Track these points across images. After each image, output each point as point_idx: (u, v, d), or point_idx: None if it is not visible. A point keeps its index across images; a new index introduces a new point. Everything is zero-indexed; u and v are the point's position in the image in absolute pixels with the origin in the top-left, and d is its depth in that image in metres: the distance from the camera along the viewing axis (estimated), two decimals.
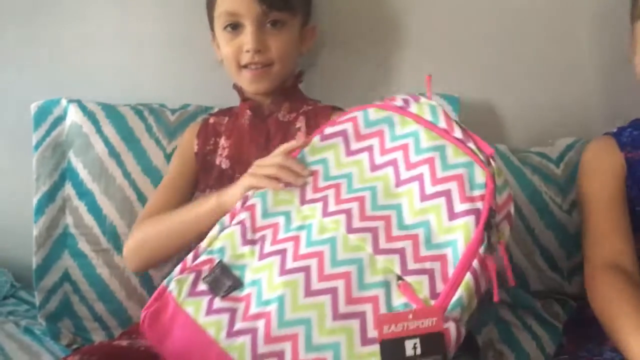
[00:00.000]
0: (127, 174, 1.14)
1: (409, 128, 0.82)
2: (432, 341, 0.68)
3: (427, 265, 0.72)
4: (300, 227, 0.79)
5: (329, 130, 0.86)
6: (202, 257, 0.81)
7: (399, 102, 0.86)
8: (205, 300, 0.77)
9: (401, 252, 0.74)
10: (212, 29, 1.09)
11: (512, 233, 1.11)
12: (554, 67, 1.22)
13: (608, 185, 0.95)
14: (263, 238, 0.80)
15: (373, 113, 0.85)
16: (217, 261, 0.79)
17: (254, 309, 0.74)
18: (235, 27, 1.03)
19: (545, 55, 1.21)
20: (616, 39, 1.06)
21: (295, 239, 0.78)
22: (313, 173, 0.83)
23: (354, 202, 0.79)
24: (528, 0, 1.21)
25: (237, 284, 0.77)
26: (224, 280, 0.78)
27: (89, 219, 1.13)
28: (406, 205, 0.77)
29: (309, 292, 0.73)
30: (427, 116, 0.82)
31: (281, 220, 0.81)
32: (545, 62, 1.21)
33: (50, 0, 1.25)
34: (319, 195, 0.81)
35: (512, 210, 0.78)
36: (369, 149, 0.83)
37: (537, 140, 1.21)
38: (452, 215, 0.74)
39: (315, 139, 0.86)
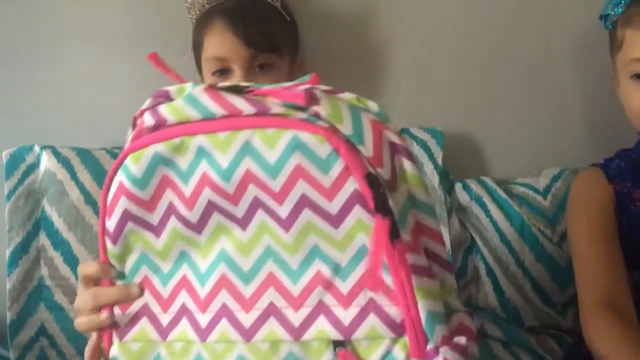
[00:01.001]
0: None
1: (189, 150, 0.55)
2: None
3: (361, 299, 0.52)
4: None
5: (109, 223, 0.60)
6: None
7: (149, 121, 0.58)
8: None
9: (321, 307, 0.54)
10: (200, 72, 1.08)
11: (501, 266, 1.10)
12: (537, 97, 1.21)
13: (598, 222, 0.94)
14: None
15: (133, 166, 0.57)
16: None
17: None
18: (223, 72, 1.02)
19: (528, 85, 1.21)
20: (598, 68, 1.06)
21: None
22: (142, 284, 0.62)
23: (219, 290, 0.57)
24: (509, 32, 1.21)
25: None
26: None
27: (65, 270, 1.08)
28: (276, 247, 0.55)
29: None
30: (193, 114, 0.56)
31: None
32: (527, 93, 1.21)
33: (23, 46, 1.22)
34: (173, 309, 0.60)
35: (393, 136, 0.54)
36: (171, 209, 0.58)
37: (522, 170, 1.20)
38: (333, 221, 0.52)
39: (108, 245, 0.62)
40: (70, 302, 1.08)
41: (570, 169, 1.14)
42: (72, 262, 1.09)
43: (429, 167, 1.13)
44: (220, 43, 1.02)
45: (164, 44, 1.16)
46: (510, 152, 1.22)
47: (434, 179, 1.12)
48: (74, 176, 1.11)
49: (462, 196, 1.15)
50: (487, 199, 1.13)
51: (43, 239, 1.09)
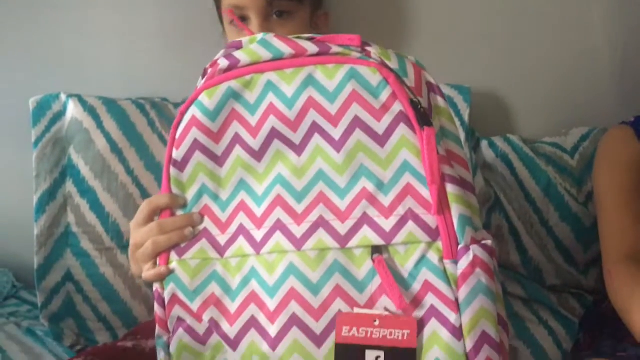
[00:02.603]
0: (130, 171, 1.11)
1: (258, 84, 0.64)
2: (400, 358, 0.57)
3: (400, 210, 0.59)
4: (245, 281, 0.64)
5: (177, 154, 0.67)
6: None
7: (222, 63, 0.66)
8: None
9: (364, 219, 0.61)
10: (221, 23, 1.07)
11: (525, 225, 1.10)
12: (567, 54, 1.19)
13: (626, 178, 0.93)
14: (214, 322, 0.65)
15: (207, 100, 0.65)
16: None
17: None
18: (241, 20, 1.00)
19: (558, 42, 1.18)
20: (632, 23, 1.03)
21: (253, 299, 0.63)
22: (202, 212, 0.67)
23: (274, 208, 0.64)
24: None
25: None
26: None
27: (91, 217, 1.10)
28: (327, 168, 0.62)
29: (319, 340, 0.60)
30: (265, 54, 0.64)
31: (216, 289, 0.66)
32: (557, 49, 1.18)
33: None
34: (231, 230, 0.66)
35: (430, 77, 0.64)
36: (236, 139, 0.66)
37: (550, 130, 1.18)
38: (380, 140, 0.61)
39: (173, 174, 0.68)
40: (96, 249, 1.10)
41: (599, 129, 1.13)
42: (98, 210, 1.10)
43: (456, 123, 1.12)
44: None
45: None
46: (539, 110, 1.20)
47: (460, 135, 1.11)
48: (100, 125, 1.11)
49: (488, 154, 1.14)
50: (513, 157, 1.12)
51: (70, 187, 1.11)
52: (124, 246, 1.10)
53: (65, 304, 1.10)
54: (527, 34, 1.19)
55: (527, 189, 1.10)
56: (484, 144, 1.15)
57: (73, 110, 1.12)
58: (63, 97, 1.14)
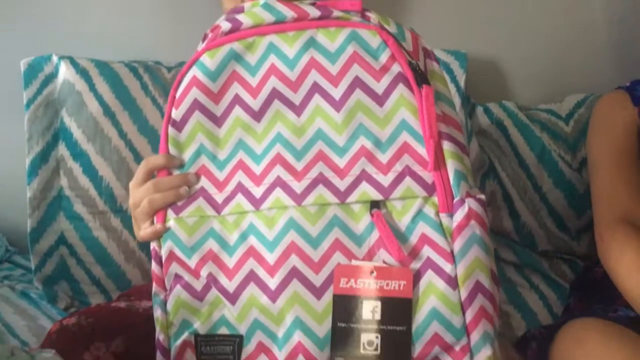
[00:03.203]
0: (123, 134, 1.10)
1: (259, 47, 0.65)
2: (397, 308, 0.59)
3: (398, 167, 0.62)
4: (243, 237, 0.65)
5: (176, 114, 0.67)
6: (175, 347, 0.66)
7: (225, 26, 0.67)
8: None
9: (363, 176, 0.62)
10: None
11: (519, 191, 1.10)
12: (564, 20, 1.19)
13: (620, 141, 0.93)
14: (212, 277, 0.66)
15: (208, 60, 0.66)
16: (194, 339, 0.66)
17: (279, 354, 0.63)
18: None
19: (555, 8, 1.19)
20: None
21: (251, 253, 0.64)
22: (199, 172, 0.68)
23: (273, 166, 0.65)
24: None
25: (238, 340, 0.64)
26: (223, 348, 0.65)
27: (84, 181, 1.10)
28: (326, 127, 0.64)
29: (319, 292, 0.62)
30: (268, 17, 0.66)
31: (213, 245, 0.66)
32: (555, 16, 1.19)
33: None
34: (229, 188, 0.67)
35: (425, 44, 0.67)
36: (236, 100, 0.66)
37: (546, 96, 1.19)
38: (380, 99, 0.63)
39: (172, 133, 0.68)
40: (90, 213, 1.10)
41: (595, 95, 1.13)
42: (91, 173, 1.10)
43: (451, 90, 1.11)
44: None
45: None
46: (535, 77, 1.21)
47: (455, 101, 1.11)
48: (92, 88, 1.10)
49: (483, 120, 1.14)
50: (508, 124, 1.12)
51: (62, 150, 1.10)
52: (117, 210, 1.10)
53: (58, 267, 1.10)
54: (524, 1, 1.18)
55: (522, 155, 1.11)
56: (480, 110, 1.15)
57: (65, 72, 1.11)
58: (55, 58, 1.12)
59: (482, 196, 0.61)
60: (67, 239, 1.10)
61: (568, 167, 1.09)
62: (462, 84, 1.12)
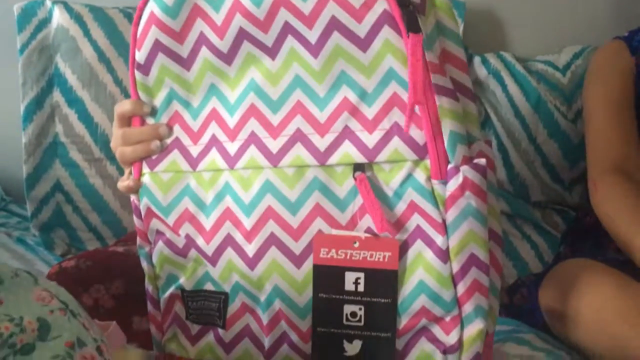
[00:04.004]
0: (118, 81, 1.10)
1: None
2: (381, 280, 0.55)
3: (385, 123, 0.54)
4: (219, 197, 0.60)
5: (140, 55, 0.62)
6: (163, 299, 0.66)
7: None
8: (211, 336, 0.64)
9: (346, 133, 0.55)
10: None
11: (514, 142, 1.10)
12: None
13: (616, 90, 0.93)
14: (191, 238, 0.63)
15: None
16: (181, 293, 0.65)
17: (263, 316, 0.61)
18: None
19: None
20: None
21: (228, 216, 0.60)
22: (170, 122, 0.63)
23: (248, 119, 0.58)
24: None
25: (223, 296, 0.62)
26: (209, 304, 0.63)
27: (79, 128, 1.10)
28: (305, 75, 0.56)
29: (299, 260, 0.57)
30: None
31: (189, 204, 0.62)
32: None
33: None
34: (203, 141, 0.61)
35: None
36: (202, 39, 0.59)
37: (544, 48, 1.17)
38: (362, 44, 0.53)
39: (138, 77, 0.63)
40: (85, 160, 1.10)
41: (592, 47, 1.12)
42: (87, 120, 1.10)
43: None
44: None
45: None
46: (533, 28, 1.19)
47: (459, 31, 1.10)
48: (87, 33, 1.09)
49: (480, 70, 1.13)
50: (505, 74, 1.12)
51: (57, 96, 1.10)
52: (113, 157, 1.10)
53: (55, 214, 1.11)
54: None
55: (517, 106, 1.10)
56: (477, 60, 1.14)
57: (59, 17, 1.10)
58: (48, 3, 1.11)
59: (482, 160, 0.53)
60: (63, 186, 1.11)
61: (563, 118, 1.09)
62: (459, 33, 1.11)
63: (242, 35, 0.57)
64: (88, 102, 1.09)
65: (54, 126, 1.10)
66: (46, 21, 1.10)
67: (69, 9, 1.10)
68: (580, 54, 1.12)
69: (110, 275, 0.81)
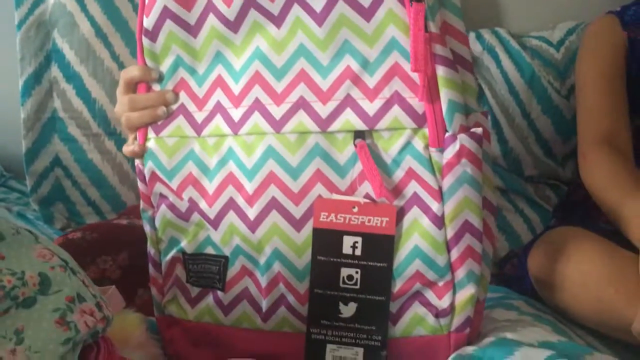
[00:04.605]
0: (115, 56, 1.11)
1: None
2: (378, 244, 0.57)
3: (386, 92, 0.56)
4: (222, 162, 0.62)
5: (148, 22, 0.63)
6: (165, 262, 0.68)
7: None
8: (210, 298, 0.66)
9: (348, 101, 0.57)
10: None
11: (507, 117, 1.12)
12: None
13: (608, 64, 0.94)
14: (193, 201, 0.64)
15: None
16: (182, 256, 0.67)
17: (261, 279, 0.62)
18: None
19: None
20: None
21: (230, 180, 0.62)
22: (176, 89, 0.64)
23: (252, 86, 0.60)
24: None
25: (223, 260, 0.64)
26: (209, 267, 0.65)
27: (77, 103, 1.11)
28: (309, 44, 0.58)
29: (299, 224, 0.59)
30: None
31: (193, 169, 0.64)
32: None
33: None
34: (208, 107, 0.63)
35: None
36: (209, 7, 0.61)
37: (538, 24, 1.18)
38: (366, 13, 0.55)
39: (146, 44, 0.64)
40: (84, 135, 1.12)
41: (586, 23, 1.13)
42: (85, 95, 1.11)
43: None
44: None
45: None
46: (527, 4, 1.19)
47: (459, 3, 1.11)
48: (84, 8, 1.10)
49: (475, 46, 1.14)
50: (499, 50, 1.12)
51: (55, 71, 1.11)
52: (111, 132, 1.12)
53: (54, 188, 1.12)
54: None
55: (512, 82, 1.11)
56: (472, 36, 1.15)
57: None
58: None
59: (479, 129, 0.55)
60: (61, 161, 1.12)
61: (557, 93, 1.10)
62: None
63: (249, 4, 0.58)
64: (86, 78, 1.10)
65: (52, 101, 1.11)
66: None
67: None
68: (574, 30, 1.13)
69: (116, 247, 0.83)
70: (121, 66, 1.11)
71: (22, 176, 1.26)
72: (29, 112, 1.10)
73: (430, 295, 0.57)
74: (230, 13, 0.60)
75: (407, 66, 0.55)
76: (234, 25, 0.60)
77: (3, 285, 0.40)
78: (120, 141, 1.11)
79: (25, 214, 1.14)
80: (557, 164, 1.12)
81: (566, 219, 1.00)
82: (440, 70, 0.54)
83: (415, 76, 0.55)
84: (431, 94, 0.54)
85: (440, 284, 0.57)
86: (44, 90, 1.11)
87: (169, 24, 0.62)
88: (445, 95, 0.54)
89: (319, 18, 0.56)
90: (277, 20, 0.58)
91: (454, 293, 0.57)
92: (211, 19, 0.61)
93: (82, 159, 1.12)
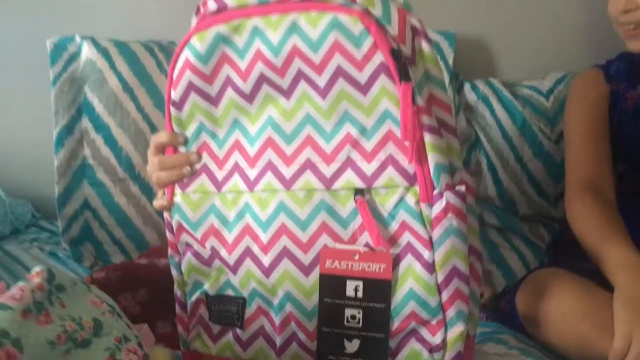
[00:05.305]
0: (140, 108, 1.20)
1: (245, 30, 0.66)
2: (377, 288, 0.64)
3: (382, 155, 0.63)
4: (240, 215, 0.71)
5: (175, 94, 0.71)
6: (190, 303, 0.76)
7: (212, 7, 0.69)
8: (231, 335, 0.74)
9: (349, 163, 0.65)
10: None
11: (502, 161, 1.20)
12: (545, 4, 1.26)
13: (593, 115, 1.01)
14: (215, 250, 0.73)
15: (198, 44, 0.68)
16: (206, 298, 0.75)
17: (275, 318, 0.70)
18: None
19: None
20: None
21: (247, 231, 0.70)
22: (199, 151, 0.72)
23: (266, 149, 0.68)
24: None
25: (241, 301, 0.72)
26: (229, 308, 0.73)
27: (106, 151, 1.20)
28: (314, 113, 0.65)
29: (307, 270, 0.67)
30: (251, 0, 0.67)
31: (214, 221, 0.73)
32: (538, 1, 1.26)
33: None
34: (228, 167, 0.71)
35: (415, 21, 0.63)
36: (228, 82, 0.69)
37: (529, 74, 1.26)
38: (363, 89, 0.62)
39: (173, 113, 0.72)
40: (111, 180, 1.21)
41: (574, 74, 1.21)
42: (112, 144, 1.20)
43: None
44: None
45: None
46: (519, 56, 1.28)
47: (444, 79, 1.20)
48: (112, 66, 1.20)
49: (471, 96, 1.23)
50: (493, 99, 1.21)
51: (86, 123, 1.20)
52: (135, 177, 1.20)
53: (83, 230, 1.21)
54: None
55: (505, 128, 1.20)
56: (467, 86, 1.24)
57: (87, 51, 1.20)
58: (78, 39, 1.22)
59: (463, 187, 0.62)
60: (91, 204, 1.21)
61: (547, 139, 1.18)
62: (450, 62, 1.20)
63: (263, 79, 0.67)
64: (114, 128, 1.20)
65: (83, 150, 1.21)
66: (76, 55, 1.21)
67: (96, 44, 1.21)
68: (562, 80, 1.22)
69: (136, 285, 0.91)
70: (145, 117, 1.20)
71: (52, 217, 1.35)
72: (62, 160, 1.19)
73: (425, 332, 0.64)
74: (247, 87, 0.68)
75: (399, 133, 0.62)
76: (249, 98, 0.68)
77: (66, 330, 0.49)
78: (144, 186, 1.20)
79: (57, 253, 1.22)
80: (549, 204, 1.19)
81: (558, 257, 1.08)
82: (428, 137, 0.61)
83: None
84: (420, 157, 0.61)
85: (434, 322, 0.63)
86: (76, 140, 1.20)
87: (193, 96, 0.70)
88: (432, 158, 0.61)
89: (323, 92, 0.64)
90: (287, 93, 0.66)
91: (446, 331, 0.63)
92: (230, 92, 0.69)
93: (109, 202, 1.20)
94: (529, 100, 1.21)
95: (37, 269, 0.57)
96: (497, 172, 1.20)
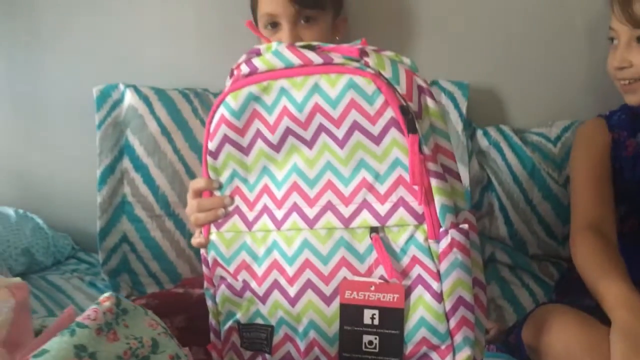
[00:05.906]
0: (176, 150, 1.29)
1: (273, 90, 0.75)
2: (391, 316, 0.70)
3: (393, 197, 0.71)
4: (268, 251, 0.78)
5: (212, 145, 0.80)
6: (223, 331, 0.83)
7: (245, 69, 0.77)
8: None
9: (364, 204, 0.72)
10: (256, 24, 1.21)
11: (513, 203, 1.26)
12: (554, 57, 1.33)
13: (596, 161, 1.08)
14: (246, 282, 0.81)
15: (232, 102, 0.77)
16: (237, 326, 0.82)
17: (300, 344, 0.77)
18: (274, 25, 1.14)
19: (548, 44, 1.33)
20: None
21: (275, 266, 0.78)
22: (232, 194, 0.81)
23: (291, 192, 0.76)
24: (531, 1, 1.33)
25: (270, 329, 0.80)
26: (259, 335, 0.80)
27: (144, 189, 1.29)
28: (333, 161, 0.74)
29: (328, 300, 0.74)
30: (278, 64, 0.75)
31: (245, 257, 0.80)
32: (546, 53, 1.33)
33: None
34: (257, 208, 0.79)
35: (420, 81, 0.72)
36: (258, 134, 0.77)
37: (538, 121, 1.33)
38: (376, 140, 0.71)
39: (209, 161, 0.81)
40: (148, 216, 1.29)
41: (580, 121, 1.28)
42: (150, 183, 1.29)
43: (454, 115, 1.29)
44: (270, 1, 1.12)
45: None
46: (528, 104, 1.35)
47: (458, 125, 1.28)
48: (152, 111, 1.30)
49: (482, 142, 1.31)
50: (504, 145, 1.29)
51: (126, 163, 1.30)
52: (170, 214, 1.29)
53: (121, 262, 1.29)
54: (521, 38, 1.34)
55: (515, 172, 1.27)
56: (479, 133, 1.32)
57: (130, 98, 1.31)
58: (121, 86, 1.32)
59: (465, 225, 0.69)
60: (128, 238, 1.29)
61: (555, 183, 1.25)
62: (464, 110, 1.28)
63: (288, 132, 0.76)
64: (152, 168, 1.28)
65: (123, 188, 1.29)
66: (119, 101, 1.31)
67: (137, 91, 1.31)
68: (569, 127, 1.29)
69: (174, 312, 0.99)
70: (181, 159, 1.29)
71: (90, 249, 1.43)
72: (104, 197, 1.28)
73: (435, 356, 0.71)
74: (274, 139, 0.77)
75: (409, 178, 0.70)
76: (276, 147, 0.77)
77: (130, 347, 0.57)
78: (178, 222, 1.28)
79: (96, 283, 1.30)
80: (557, 243, 1.26)
81: (565, 293, 1.13)
82: (434, 182, 0.69)
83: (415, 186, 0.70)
84: (427, 199, 0.69)
85: (443, 347, 0.70)
86: (117, 178, 1.29)
87: (227, 147, 0.80)
88: (438, 200, 0.69)
89: (341, 143, 0.73)
90: (310, 144, 0.75)
91: (454, 355, 0.70)
92: (259, 143, 0.78)
93: (145, 236, 1.28)
94: (538, 146, 1.28)
95: (106, 294, 0.65)
96: (508, 213, 1.27)
